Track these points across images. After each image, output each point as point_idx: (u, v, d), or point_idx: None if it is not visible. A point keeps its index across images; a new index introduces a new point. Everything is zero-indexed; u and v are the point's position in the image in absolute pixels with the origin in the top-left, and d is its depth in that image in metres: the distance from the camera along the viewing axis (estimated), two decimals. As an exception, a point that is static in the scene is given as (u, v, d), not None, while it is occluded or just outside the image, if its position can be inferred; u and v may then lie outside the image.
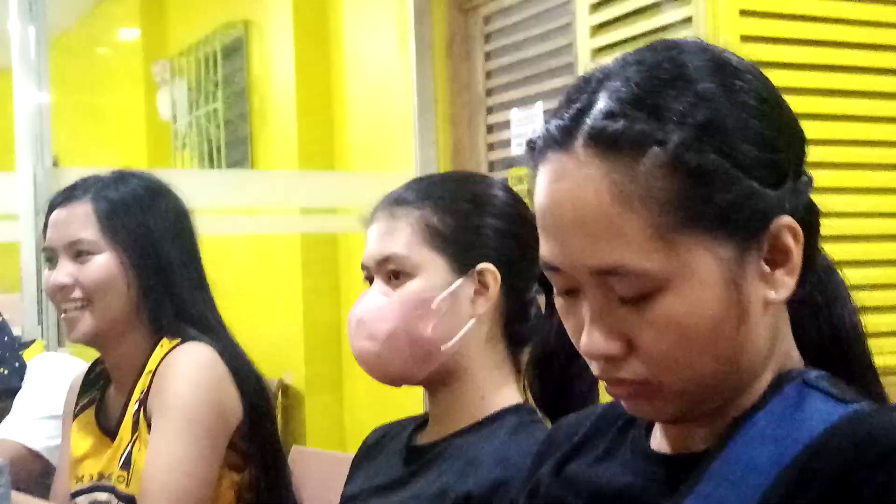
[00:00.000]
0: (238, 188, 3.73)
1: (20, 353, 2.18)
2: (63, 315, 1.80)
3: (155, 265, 1.79)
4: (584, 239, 0.87)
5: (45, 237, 1.83)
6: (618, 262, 0.86)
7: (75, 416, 1.87)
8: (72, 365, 2.15)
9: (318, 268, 4.35)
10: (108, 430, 1.80)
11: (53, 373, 2.13)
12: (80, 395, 1.90)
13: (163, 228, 1.82)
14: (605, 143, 0.86)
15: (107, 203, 1.80)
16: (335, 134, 4.37)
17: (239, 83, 5.18)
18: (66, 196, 1.83)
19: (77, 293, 1.77)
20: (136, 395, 1.76)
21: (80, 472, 1.81)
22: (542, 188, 0.89)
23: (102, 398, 1.86)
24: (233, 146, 5.24)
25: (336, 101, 4.38)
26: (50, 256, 1.81)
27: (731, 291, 0.87)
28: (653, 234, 0.85)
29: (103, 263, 1.77)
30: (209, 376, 1.73)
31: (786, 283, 0.89)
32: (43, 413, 2.06)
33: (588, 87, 0.90)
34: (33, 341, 2.31)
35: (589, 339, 0.89)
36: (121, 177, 1.86)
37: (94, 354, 1.90)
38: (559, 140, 0.88)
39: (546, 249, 0.90)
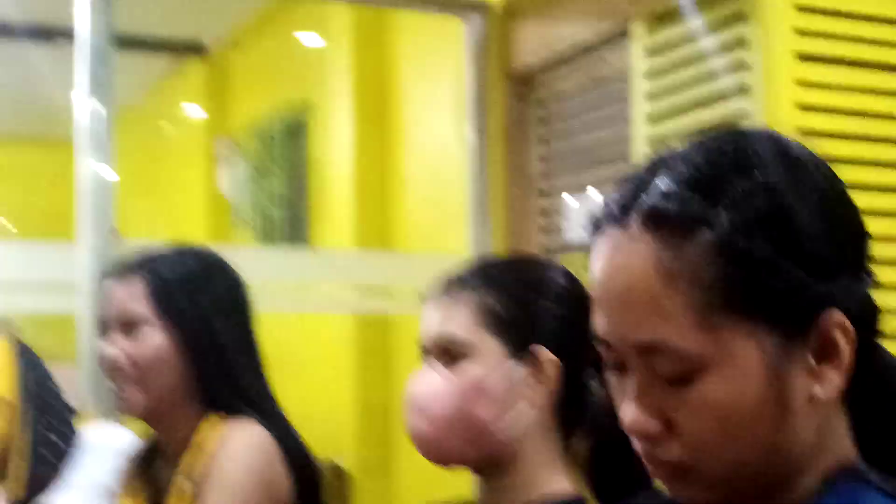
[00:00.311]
0: (294, 265, 3.76)
1: (72, 422, 2.20)
2: (114, 388, 1.81)
3: (207, 342, 1.80)
4: (629, 314, 0.88)
5: (100, 309, 1.85)
6: (658, 339, 0.86)
7: (125, 487, 1.88)
8: (123, 436, 2.17)
9: (371, 348, 4.36)
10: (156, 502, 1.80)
11: (104, 443, 2.14)
12: (132, 467, 1.90)
13: (217, 305, 1.83)
14: (656, 221, 0.87)
15: (160, 279, 1.81)
16: (391, 214, 4.41)
17: (298, 162, 5.25)
18: (121, 270, 1.85)
19: (128, 368, 1.78)
20: (184, 470, 1.76)
21: (127, 545, 1.81)
22: (595, 261, 0.91)
23: (153, 471, 1.87)
24: (291, 224, 5.29)
25: (393, 181, 4.43)
26: (103, 329, 1.83)
27: (773, 381, 0.86)
28: (695, 315, 0.86)
29: (155, 339, 1.78)
30: (260, 456, 1.73)
31: (833, 379, 0.88)
32: (90, 483, 2.07)
33: (651, 166, 0.92)
34: (86, 411, 2.33)
35: (628, 415, 0.89)
36: (177, 252, 1.88)
37: (148, 427, 1.91)
38: (615, 215, 0.90)
39: (597, 323, 0.91)
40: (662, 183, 0.89)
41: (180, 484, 1.75)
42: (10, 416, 2.08)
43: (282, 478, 1.74)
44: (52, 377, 2.23)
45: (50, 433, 2.12)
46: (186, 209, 6.39)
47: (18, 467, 2.07)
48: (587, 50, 3.45)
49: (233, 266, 1.91)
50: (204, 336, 1.80)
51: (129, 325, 1.79)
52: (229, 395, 1.79)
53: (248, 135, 5.75)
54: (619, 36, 3.22)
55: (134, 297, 1.80)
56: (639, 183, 0.91)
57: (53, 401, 2.19)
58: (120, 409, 1.84)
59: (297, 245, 5.16)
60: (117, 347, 1.79)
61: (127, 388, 1.79)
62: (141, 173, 6.75)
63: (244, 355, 1.84)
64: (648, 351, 0.87)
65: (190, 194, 6.37)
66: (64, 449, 2.11)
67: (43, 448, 2.09)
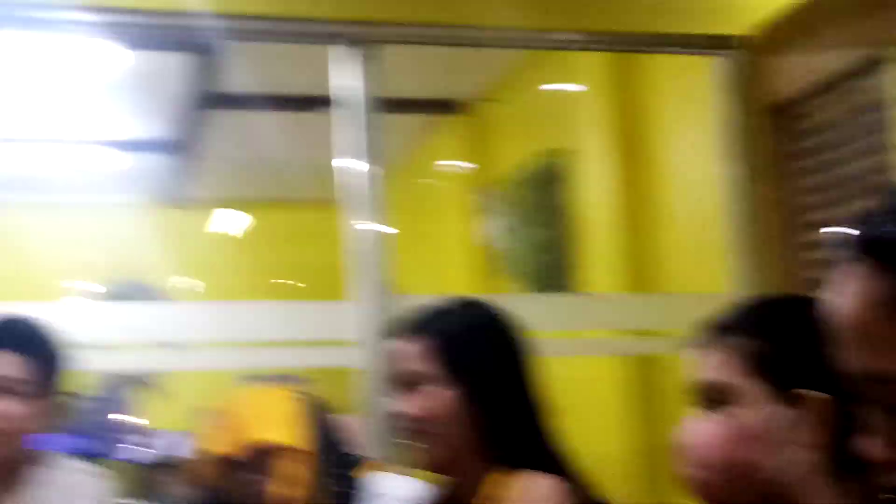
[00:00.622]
0: (559, 311, 3.82)
1: (357, 471, 2.31)
2: (403, 442, 1.90)
3: (493, 397, 1.84)
4: (858, 344, 0.90)
5: (386, 365, 1.94)
6: (882, 369, 0.88)
7: None
8: (409, 485, 2.26)
9: (638, 390, 4.36)
10: None
11: (391, 493, 2.24)
12: None
13: (500, 357, 1.87)
14: (877, 251, 0.89)
15: (444, 337, 1.87)
16: (653, 256, 4.41)
17: (558, 208, 5.32)
18: (406, 328, 1.92)
19: (416, 424, 1.86)
20: None
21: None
22: (830, 295, 0.94)
23: None
24: (552, 270, 5.36)
25: (653, 222, 4.43)
26: (392, 387, 1.91)
27: None
28: None
29: (441, 397, 1.85)
30: None
31: None
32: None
33: (884, 199, 0.94)
34: (369, 459, 2.44)
35: (869, 446, 0.91)
36: (457, 307, 1.94)
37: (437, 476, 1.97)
38: (849, 249, 0.92)
39: (837, 356, 0.94)
40: (890, 214, 0.91)
41: None
42: (310, 467, 2.21)
43: None
44: (340, 428, 2.36)
45: (341, 483, 2.25)
46: (453, 261, 6.56)
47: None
48: (844, 78, 3.39)
49: (510, 316, 1.96)
50: (489, 390, 1.84)
51: (416, 383, 1.87)
52: (518, 446, 1.83)
53: (508, 184, 5.87)
54: (876, 62, 3.16)
55: (419, 356, 1.87)
56: (873, 217, 0.93)
57: (342, 452, 2.32)
58: (409, 464, 1.92)
59: (559, 291, 5.21)
60: (406, 405, 1.87)
61: (417, 442, 1.86)
62: (408, 229, 6.95)
63: (530, 405, 1.88)
64: (878, 381, 0.88)
65: (455, 246, 6.54)
66: (353, 499, 2.23)
67: (335, 498, 2.22)
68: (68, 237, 7.84)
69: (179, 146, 6.82)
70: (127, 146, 6.88)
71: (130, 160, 7.07)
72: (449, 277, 6.51)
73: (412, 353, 1.89)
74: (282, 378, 3.68)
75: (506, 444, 1.84)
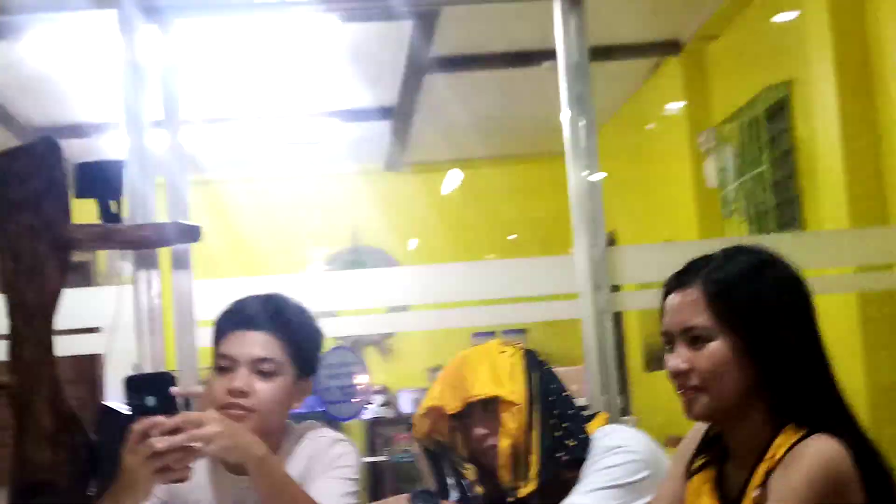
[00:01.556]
0: (791, 251, 3.69)
1: (584, 425, 2.31)
2: (680, 396, 1.85)
3: (770, 346, 1.77)
4: None
5: (661, 321, 1.88)
6: None
7: (690, 474, 1.90)
8: (635, 437, 2.24)
9: (879, 326, 4.19)
10: (727, 502, 1.81)
11: (614, 444, 2.22)
12: (696, 456, 1.93)
13: (774, 305, 1.78)
14: None
15: (715, 286, 1.80)
16: (887, 188, 4.22)
17: (784, 144, 5.16)
18: (679, 281, 1.86)
19: (693, 379, 1.80)
20: (758, 479, 1.73)
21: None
22: None
23: (720, 468, 1.87)
24: (781, 208, 5.20)
25: (886, 153, 4.24)
26: (667, 340, 1.87)
27: None
28: None
29: (716, 350, 1.78)
30: (832, 478, 1.66)
31: None
32: (605, 483, 2.15)
33: None
34: (597, 413, 2.43)
35: None
36: (727, 255, 1.86)
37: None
38: None
39: None
40: None
41: (753, 493, 1.72)
42: (532, 420, 2.23)
43: (853, 496, 1.68)
44: (559, 380, 2.36)
45: (567, 435, 2.25)
46: (676, 206, 6.45)
47: (530, 464, 2.22)
48: None
49: (788, 262, 1.84)
50: (766, 339, 1.77)
51: (691, 336, 1.80)
52: (800, 401, 1.75)
53: (731, 123, 5.72)
54: None
55: (693, 308, 1.81)
56: None
57: (566, 404, 2.32)
58: (687, 415, 1.86)
59: (789, 229, 5.05)
60: (683, 359, 1.80)
61: (693, 395, 1.80)
62: (630, 177, 6.90)
63: (811, 357, 1.80)
64: None
65: (678, 190, 6.43)
66: (574, 448, 2.23)
67: (552, 447, 2.22)
68: (299, 208, 8.12)
69: (400, 112, 6.95)
70: (349, 116, 7.06)
71: (353, 129, 7.25)
72: (675, 222, 6.41)
73: (683, 305, 1.82)
74: (508, 334, 3.71)
75: (788, 399, 1.75)
